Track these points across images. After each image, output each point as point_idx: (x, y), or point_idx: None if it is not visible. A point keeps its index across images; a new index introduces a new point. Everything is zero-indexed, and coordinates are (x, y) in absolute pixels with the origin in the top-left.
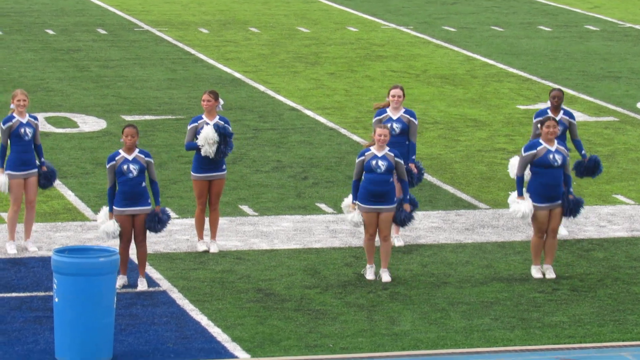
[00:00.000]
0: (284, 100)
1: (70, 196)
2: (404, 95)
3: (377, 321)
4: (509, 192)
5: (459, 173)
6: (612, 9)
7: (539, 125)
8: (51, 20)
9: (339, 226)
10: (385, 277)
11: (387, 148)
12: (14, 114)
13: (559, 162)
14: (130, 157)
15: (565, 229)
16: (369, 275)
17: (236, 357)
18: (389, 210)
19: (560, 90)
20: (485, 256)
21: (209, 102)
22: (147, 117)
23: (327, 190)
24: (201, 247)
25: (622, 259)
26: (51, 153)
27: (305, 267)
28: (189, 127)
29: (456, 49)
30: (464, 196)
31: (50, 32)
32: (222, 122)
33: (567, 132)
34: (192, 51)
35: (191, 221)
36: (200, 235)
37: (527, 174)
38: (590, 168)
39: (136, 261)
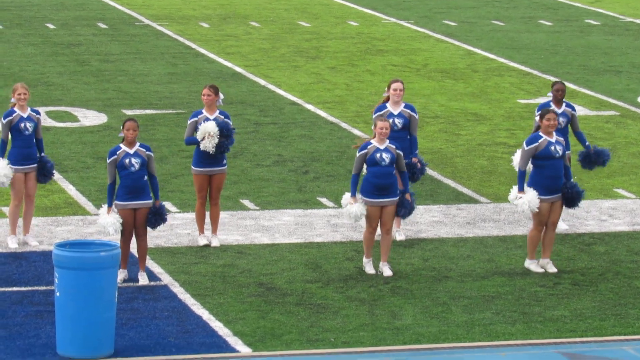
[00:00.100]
0: (284, 95)
1: (71, 190)
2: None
3: (379, 315)
4: (511, 189)
5: (460, 167)
6: (613, 3)
7: (536, 119)
8: (51, 15)
9: (340, 220)
10: (387, 271)
11: (388, 141)
12: (15, 109)
13: (560, 152)
14: (131, 151)
15: (566, 224)
16: (369, 269)
17: (237, 352)
18: (393, 203)
19: (562, 83)
20: (486, 250)
21: (209, 97)
22: (148, 112)
23: (328, 184)
24: (202, 241)
25: (624, 253)
26: (52, 147)
27: (307, 262)
28: (189, 122)
29: (457, 43)
30: (465, 190)
31: (51, 26)
32: (223, 117)
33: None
34: (193, 45)
35: (192, 215)
36: (201, 230)
37: (529, 167)
38: (598, 154)
39: (137, 255)
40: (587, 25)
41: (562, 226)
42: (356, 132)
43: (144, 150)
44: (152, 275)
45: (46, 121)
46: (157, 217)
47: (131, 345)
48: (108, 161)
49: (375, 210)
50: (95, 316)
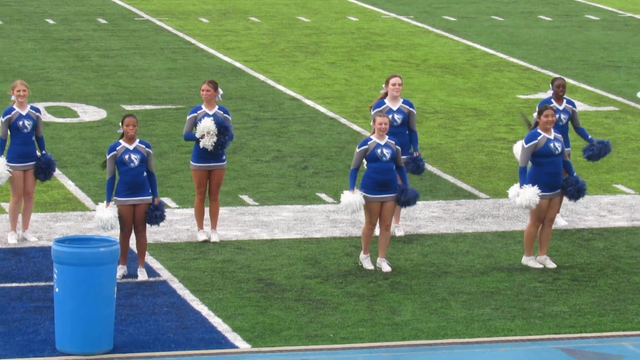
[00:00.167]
0: (284, 90)
1: (71, 186)
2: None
3: (378, 311)
4: (510, 188)
5: (459, 163)
6: None
7: (534, 115)
8: (51, 10)
9: (339, 216)
10: (385, 267)
11: (387, 137)
12: (14, 106)
13: (559, 149)
14: (131, 147)
15: (565, 219)
16: (368, 265)
17: (237, 347)
18: (393, 199)
19: (563, 79)
20: (485, 246)
21: (208, 92)
22: (147, 107)
23: (328, 179)
24: (201, 237)
25: (623, 248)
26: (51, 143)
27: (306, 257)
28: (188, 117)
29: (456, 38)
30: (464, 186)
31: (51, 21)
32: (222, 112)
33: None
34: (193, 41)
35: (191, 211)
36: (200, 225)
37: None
38: (604, 146)
39: (136, 251)
40: (586, 21)
41: (561, 222)
42: (355, 127)
43: (144, 146)
44: (151, 271)
45: (45, 117)
46: (156, 214)
47: (130, 341)
48: (107, 157)
49: (375, 206)
50: (95, 312)
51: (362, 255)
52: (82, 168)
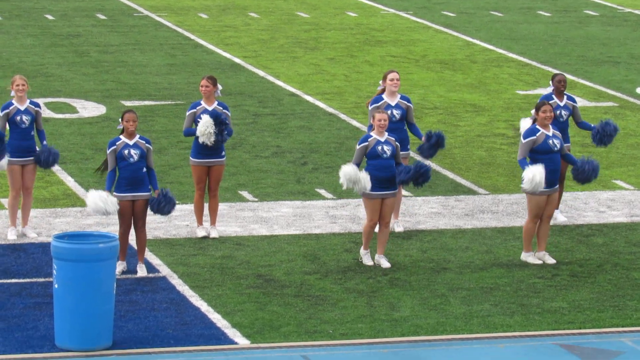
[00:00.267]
0: (283, 86)
1: (70, 182)
2: None
3: (377, 307)
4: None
5: (458, 158)
6: None
7: (532, 111)
8: (50, 6)
9: (338, 212)
10: (385, 263)
11: (387, 133)
12: (13, 101)
13: (558, 146)
14: (131, 143)
15: (563, 215)
16: (367, 260)
17: (236, 343)
18: (393, 196)
19: (563, 74)
20: (484, 242)
21: (207, 88)
22: (147, 103)
23: (327, 175)
24: (201, 233)
25: (622, 244)
26: (51, 138)
27: (305, 253)
28: (187, 113)
29: (455, 34)
30: (463, 182)
31: (50, 17)
32: (221, 108)
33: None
34: (192, 36)
35: (191, 207)
36: (200, 221)
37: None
38: (603, 125)
39: (136, 247)
40: (585, 16)
41: (560, 218)
42: (355, 123)
43: (144, 142)
44: (150, 267)
45: (45, 112)
46: (161, 203)
47: (130, 337)
48: (107, 151)
49: (376, 203)
50: (94, 308)
51: (362, 251)
52: (82, 164)
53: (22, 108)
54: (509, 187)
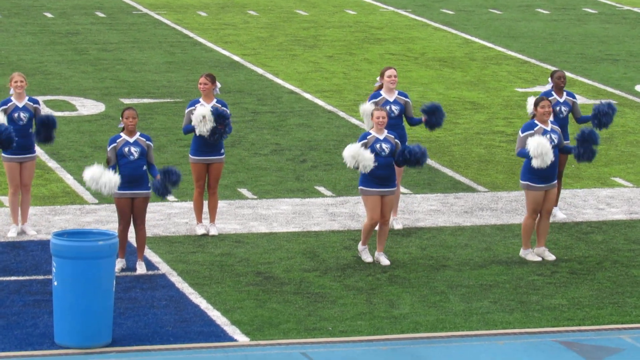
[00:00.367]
0: (282, 83)
1: (69, 179)
2: None
3: (376, 304)
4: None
5: (457, 156)
6: None
7: (531, 108)
8: (49, 3)
9: (337, 209)
10: (384, 260)
11: (386, 131)
12: (12, 98)
13: (555, 141)
14: (131, 140)
15: (562, 213)
16: (366, 256)
17: (235, 341)
18: (392, 193)
19: (562, 71)
20: (484, 239)
21: (206, 86)
22: (146, 100)
23: (326, 173)
24: (200, 231)
25: (621, 241)
26: None
27: (304, 250)
28: (186, 111)
29: (454, 31)
30: (462, 179)
31: (49, 15)
32: (220, 106)
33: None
34: (191, 34)
35: (190, 204)
36: (199, 219)
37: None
38: (604, 104)
39: (135, 244)
40: (584, 14)
41: (559, 215)
42: (354, 120)
43: (144, 139)
44: (149, 265)
45: (44, 110)
46: (166, 174)
47: (129, 335)
48: (108, 149)
49: (376, 200)
50: (93, 305)
51: (360, 247)
52: (81, 162)
53: (20, 105)
54: (508, 184)
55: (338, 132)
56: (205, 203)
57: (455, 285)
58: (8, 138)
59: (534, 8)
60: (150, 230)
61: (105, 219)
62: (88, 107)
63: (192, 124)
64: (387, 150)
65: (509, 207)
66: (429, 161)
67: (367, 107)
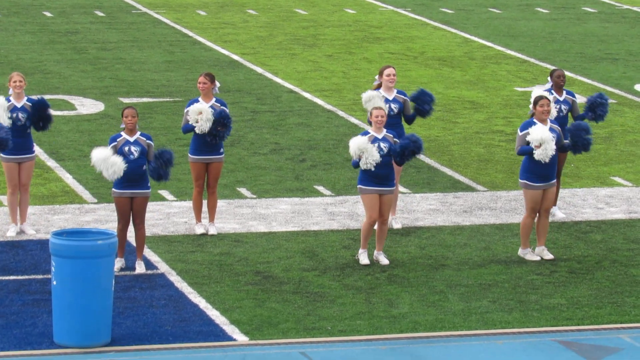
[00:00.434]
0: (281, 83)
1: (68, 179)
2: None
3: (375, 304)
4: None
5: (456, 155)
6: None
7: (530, 106)
8: (49, 3)
9: (337, 209)
10: (383, 260)
11: (385, 130)
12: (10, 98)
13: (554, 139)
14: (131, 139)
15: (561, 212)
16: (364, 260)
17: (234, 340)
18: (391, 192)
19: (562, 70)
20: (483, 238)
21: (205, 85)
22: (145, 100)
23: (325, 172)
24: (199, 230)
25: (620, 241)
26: (49, 135)
27: (304, 250)
28: (185, 110)
29: (454, 30)
30: (461, 178)
31: (48, 14)
32: (219, 105)
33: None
34: (190, 33)
35: (189, 204)
36: (198, 218)
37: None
38: (594, 95)
39: (134, 244)
40: (583, 13)
41: (558, 215)
42: (353, 120)
43: (145, 139)
44: (149, 264)
45: None
46: (160, 157)
47: (128, 334)
48: (108, 147)
49: (374, 199)
50: (92, 305)
51: (360, 250)
52: (80, 161)
53: (18, 105)
54: (507, 183)
55: (337, 132)
56: (205, 202)
57: (454, 285)
58: (3, 139)
59: (534, 7)
60: (149, 230)
61: (104, 218)
62: (87, 106)
63: (190, 122)
64: (385, 150)
65: (508, 206)
66: (429, 160)
67: (370, 93)
